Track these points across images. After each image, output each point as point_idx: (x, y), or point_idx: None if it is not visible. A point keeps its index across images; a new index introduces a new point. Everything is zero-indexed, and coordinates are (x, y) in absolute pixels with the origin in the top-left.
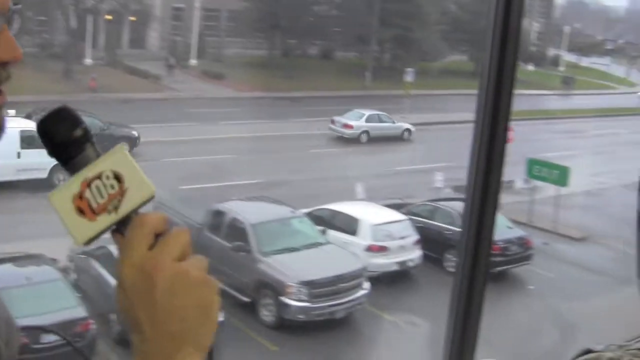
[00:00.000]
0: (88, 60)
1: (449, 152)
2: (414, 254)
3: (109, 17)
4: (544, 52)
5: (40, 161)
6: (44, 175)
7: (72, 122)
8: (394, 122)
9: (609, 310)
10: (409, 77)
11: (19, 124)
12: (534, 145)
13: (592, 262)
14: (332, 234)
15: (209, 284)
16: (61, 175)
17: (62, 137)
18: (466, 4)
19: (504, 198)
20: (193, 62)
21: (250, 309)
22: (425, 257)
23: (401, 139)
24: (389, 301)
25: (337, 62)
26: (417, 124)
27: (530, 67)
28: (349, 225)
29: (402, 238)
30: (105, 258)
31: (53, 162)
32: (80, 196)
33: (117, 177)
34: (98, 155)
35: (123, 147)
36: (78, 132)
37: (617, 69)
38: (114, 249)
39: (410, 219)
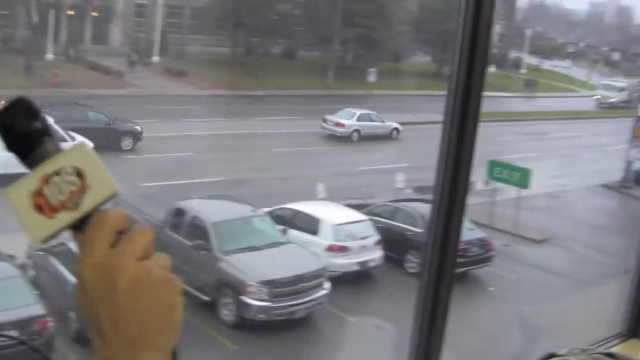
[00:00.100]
0: (50, 56)
1: (415, 153)
2: (375, 255)
3: (71, 12)
4: (505, 55)
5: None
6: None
7: (31, 114)
8: (383, 122)
9: (570, 312)
10: (371, 77)
11: None
12: (495, 147)
13: (553, 264)
14: (293, 233)
15: (172, 284)
16: None
17: (20, 129)
18: (430, 5)
19: None
20: (155, 59)
21: (211, 308)
22: (386, 258)
23: (390, 138)
24: (350, 301)
25: (300, 61)
26: None
27: (492, 69)
28: (310, 225)
29: (363, 238)
30: (64, 255)
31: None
32: (38, 192)
33: (79, 174)
34: (58, 151)
35: (85, 144)
36: (37, 125)
37: (578, 72)
38: (73, 246)
39: (371, 220)
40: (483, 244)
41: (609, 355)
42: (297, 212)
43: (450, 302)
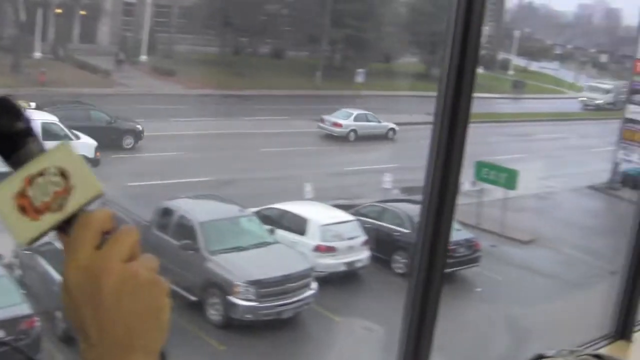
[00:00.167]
0: (37, 54)
1: (405, 154)
2: (362, 255)
3: (59, 10)
4: (493, 56)
5: None
6: None
7: (14, 114)
8: (379, 122)
9: (558, 313)
10: (360, 77)
11: (41, 117)
12: (483, 148)
13: (540, 265)
14: (281, 233)
15: (159, 286)
16: None
17: (3, 129)
18: (418, 6)
19: None
20: (143, 58)
21: (198, 308)
22: (374, 258)
23: (386, 138)
24: (337, 302)
25: (289, 62)
26: None
27: (480, 71)
28: (297, 225)
29: (351, 239)
30: (51, 254)
31: None
32: (22, 194)
33: (63, 174)
34: (42, 151)
35: (68, 143)
36: (20, 125)
37: (566, 74)
38: (60, 245)
39: (358, 220)
40: (470, 245)
41: (597, 356)
42: (285, 212)
43: (439, 303)
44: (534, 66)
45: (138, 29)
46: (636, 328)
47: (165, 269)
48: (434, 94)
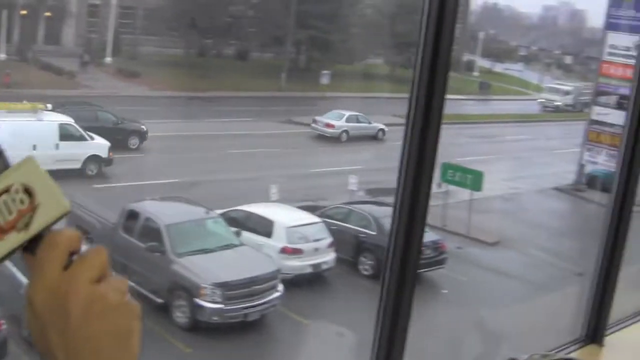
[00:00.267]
0: (2, 55)
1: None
2: (328, 257)
3: (24, 12)
4: (459, 57)
5: (75, 152)
6: (77, 165)
7: None
8: (369, 123)
9: (524, 315)
10: (325, 79)
11: (58, 118)
12: (448, 149)
13: (506, 267)
14: (247, 235)
15: (128, 308)
16: (93, 166)
17: None
18: (382, 7)
19: None
20: (108, 59)
21: (164, 310)
22: (339, 260)
23: (376, 138)
24: (303, 304)
25: (253, 63)
26: None
27: None
28: (263, 227)
29: (317, 240)
30: (17, 257)
31: (87, 153)
32: None
33: (28, 191)
34: (7, 167)
35: (34, 159)
36: None
37: (531, 76)
38: (26, 265)
39: (324, 222)
40: (436, 247)
41: None
42: (251, 214)
43: (412, 306)
44: (499, 68)
45: (103, 31)
46: (608, 332)
47: (131, 271)
48: (400, 95)
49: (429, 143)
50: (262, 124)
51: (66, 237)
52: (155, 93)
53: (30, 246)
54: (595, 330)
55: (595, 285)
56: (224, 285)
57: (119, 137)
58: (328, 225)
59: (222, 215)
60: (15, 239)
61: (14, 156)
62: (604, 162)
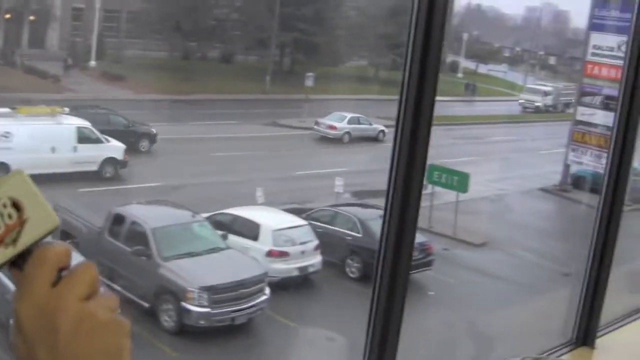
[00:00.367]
0: None
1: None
2: (315, 260)
3: (7, 15)
4: (443, 58)
5: (92, 155)
6: (94, 168)
7: None
8: (370, 124)
9: (511, 316)
10: (309, 81)
11: (76, 121)
12: (434, 150)
13: (493, 268)
14: (233, 238)
15: (119, 326)
16: (109, 168)
17: None
18: (367, 9)
19: None
20: (93, 63)
21: (151, 314)
22: (326, 263)
23: (377, 140)
24: (290, 307)
25: (237, 66)
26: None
27: None
28: (249, 230)
29: (303, 243)
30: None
31: (104, 156)
32: None
33: (16, 206)
34: None
35: (22, 171)
36: None
37: (515, 77)
38: (13, 281)
39: (310, 224)
40: (423, 248)
41: None
42: (237, 217)
43: (404, 309)
44: (483, 69)
45: (87, 34)
46: (598, 334)
47: (117, 275)
48: (385, 97)
49: (420, 145)
50: (247, 127)
51: (55, 253)
52: (140, 96)
53: (19, 262)
54: (586, 333)
55: (585, 288)
56: (210, 289)
57: (131, 140)
58: (314, 227)
59: (208, 218)
60: (3, 254)
61: (33, 158)
62: (589, 162)
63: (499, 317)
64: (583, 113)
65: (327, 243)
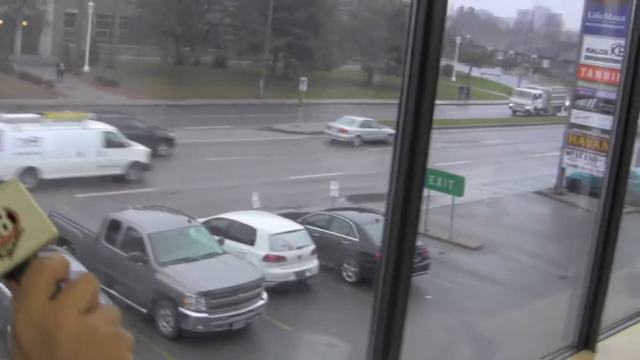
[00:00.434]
0: None
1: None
2: (312, 264)
3: (0, 22)
4: None
5: (118, 159)
6: (120, 171)
7: None
8: (380, 128)
9: (513, 320)
10: (302, 86)
11: (102, 126)
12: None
13: (489, 272)
14: (230, 243)
15: (120, 340)
16: (134, 171)
17: None
18: (359, 13)
19: None
20: (86, 68)
21: (149, 320)
22: (323, 267)
23: (385, 143)
24: (288, 312)
25: (231, 71)
26: (310, 133)
27: None
28: (246, 235)
29: (300, 248)
30: None
31: (128, 159)
32: None
33: (11, 216)
34: None
35: (17, 181)
36: None
37: (509, 80)
38: (10, 294)
39: (306, 229)
40: (419, 252)
41: None
42: (233, 222)
43: (406, 314)
44: (476, 72)
45: (80, 40)
46: (600, 337)
47: (114, 280)
48: (379, 101)
49: (420, 148)
50: (241, 132)
51: (53, 265)
52: (134, 101)
53: (15, 274)
54: (587, 336)
55: (586, 291)
56: (208, 294)
57: (151, 145)
58: (310, 232)
59: (205, 223)
60: None
61: (61, 163)
62: (584, 165)
63: (497, 320)
64: (577, 116)
65: (323, 247)
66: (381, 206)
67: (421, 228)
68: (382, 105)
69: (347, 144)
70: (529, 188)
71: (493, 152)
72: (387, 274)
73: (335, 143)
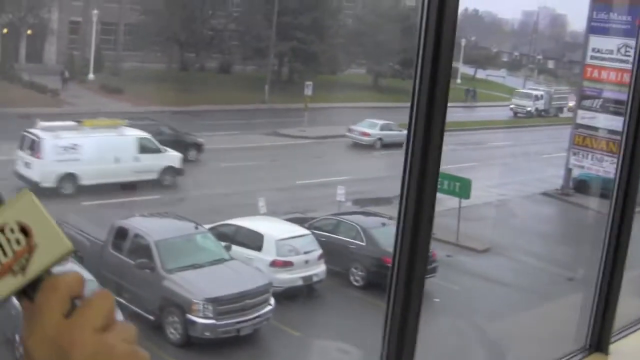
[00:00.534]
0: None
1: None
2: (319, 269)
3: (5, 30)
4: None
5: (152, 164)
6: (154, 176)
7: None
8: (400, 131)
9: (521, 323)
10: (308, 90)
11: (137, 133)
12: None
13: (497, 274)
14: (237, 249)
15: (137, 358)
16: (168, 176)
17: None
18: (364, 17)
19: None
20: (91, 76)
21: (157, 327)
22: (330, 272)
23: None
24: (296, 317)
25: (236, 76)
26: (316, 137)
27: None
28: (253, 241)
29: (307, 253)
30: None
31: (162, 165)
32: None
33: (24, 231)
34: (1, 203)
35: (30, 193)
36: None
37: (514, 82)
38: (23, 311)
39: (313, 233)
40: None
41: None
42: (240, 228)
43: (419, 319)
44: (481, 74)
45: (84, 47)
46: (612, 339)
47: (121, 288)
48: (384, 105)
49: (432, 151)
50: (248, 137)
51: (67, 282)
52: (139, 109)
53: (29, 291)
54: (599, 339)
55: (598, 293)
56: (215, 301)
57: (181, 150)
58: (317, 237)
59: (212, 229)
60: (11, 283)
61: (99, 169)
62: (591, 165)
63: (506, 323)
64: (583, 116)
65: (330, 252)
66: (387, 210)
67: None
68: (389, 108)
69: (369, 146)
70: (536, 189)
71: (499, 154)
72: (399, 278)
73: (357, 146)
